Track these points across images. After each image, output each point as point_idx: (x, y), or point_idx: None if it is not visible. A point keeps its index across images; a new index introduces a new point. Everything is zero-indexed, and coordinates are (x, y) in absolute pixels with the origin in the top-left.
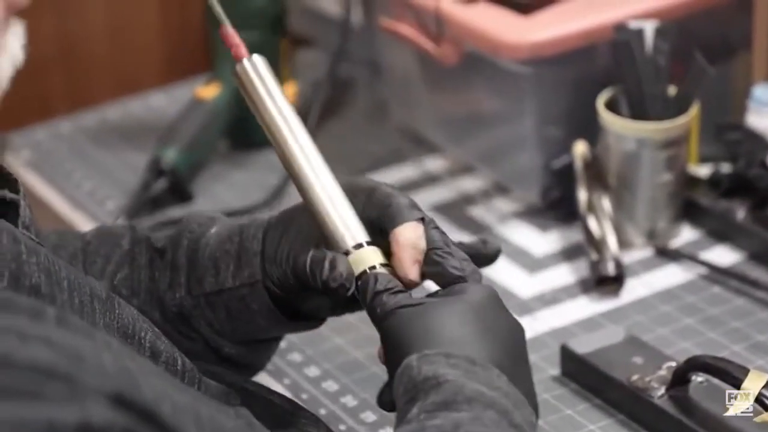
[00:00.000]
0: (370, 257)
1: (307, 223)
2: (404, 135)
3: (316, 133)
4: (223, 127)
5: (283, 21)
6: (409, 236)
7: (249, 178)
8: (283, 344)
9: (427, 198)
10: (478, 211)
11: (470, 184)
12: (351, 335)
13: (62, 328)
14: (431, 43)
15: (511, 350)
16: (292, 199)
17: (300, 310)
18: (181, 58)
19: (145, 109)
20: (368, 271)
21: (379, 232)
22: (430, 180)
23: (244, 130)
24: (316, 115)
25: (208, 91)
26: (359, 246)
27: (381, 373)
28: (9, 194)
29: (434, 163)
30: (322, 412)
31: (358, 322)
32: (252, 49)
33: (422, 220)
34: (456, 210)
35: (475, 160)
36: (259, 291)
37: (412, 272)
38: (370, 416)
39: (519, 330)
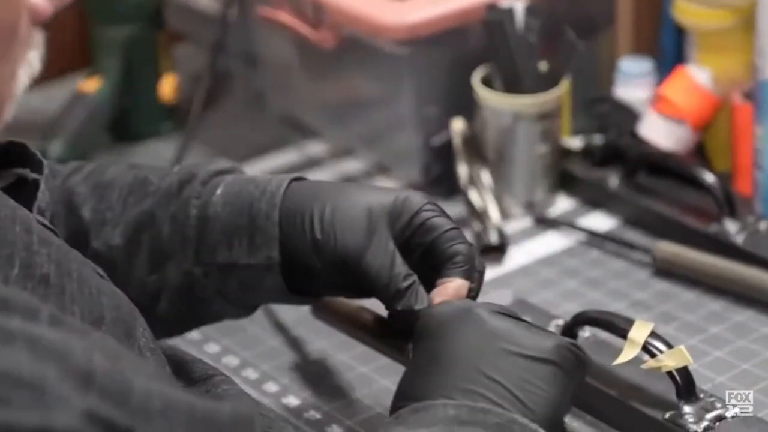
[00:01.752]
0: None
1: (336, 214)
2: (284, 122)
3: (197, 125)
4: (106, 119)
5: (160, 15)
6: (452, 289)
7: None
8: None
9: None
10: None
11: (352, 166)
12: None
13: (54, 327)
14: (309, 28)
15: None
16: None
17: (306, 288)
18: (54, 56)
19: (22, 108)
20: None
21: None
22: (311, 164)
23: (125, 122)
24: (199, 107)
25: (90, 84)
26: None
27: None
28: (31, 174)
29: (315, 148)
30: None
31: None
32: (130, 43)
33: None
34: None
35: (355, 143)
36: (275, 272)
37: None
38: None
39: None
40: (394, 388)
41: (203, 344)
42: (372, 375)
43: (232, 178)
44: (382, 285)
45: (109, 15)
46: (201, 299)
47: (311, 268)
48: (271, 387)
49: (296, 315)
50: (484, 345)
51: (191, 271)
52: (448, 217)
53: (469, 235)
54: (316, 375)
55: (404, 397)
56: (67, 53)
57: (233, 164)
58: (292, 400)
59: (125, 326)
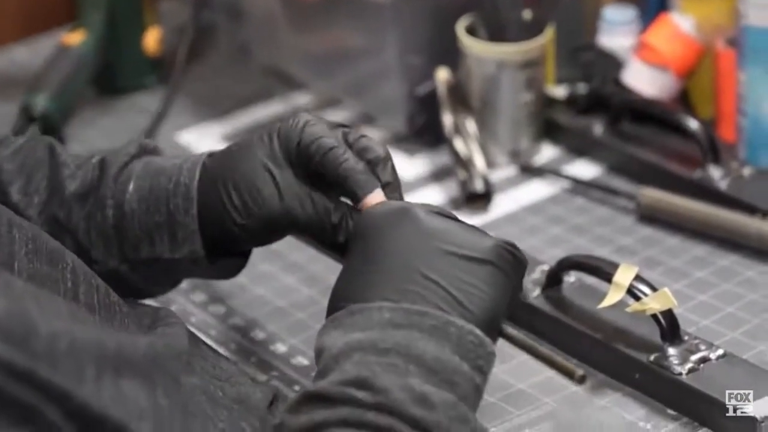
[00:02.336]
0: None
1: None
2: (269, 75)
3: (181, 78)
4: (90, 72)
5: None
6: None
7: (118, 122)
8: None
9: None
10: None
11: (337, 116)
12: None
13: None
14: None
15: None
16: (161, 140)
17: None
18: (39, 10)
19: (8, 62)
20: None
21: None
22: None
23: (109, 75)
24: (183, 60)
25: (74, 37)
26: None
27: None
28: None
29: (301, 99)
30: (212, 332)
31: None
32: None
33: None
34: None
35: (341, 94)
36: (200, 262)
37: None
38: (259, 334)
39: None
40: None
41: (190, 293)
42: None
43: (141, 169)
44: (316, 230)
45: None
46: (128, 288)
47: (240, 238)
48: (259, 334)
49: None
50: (421, 244)
51: (118, 269)
52: (326, 125)
53: (453, 184)
54: (302, 322)
55: (341, 298)
56: (52, 8)
57: (142, 143)
58: (279, 347)
59: (49, 254)
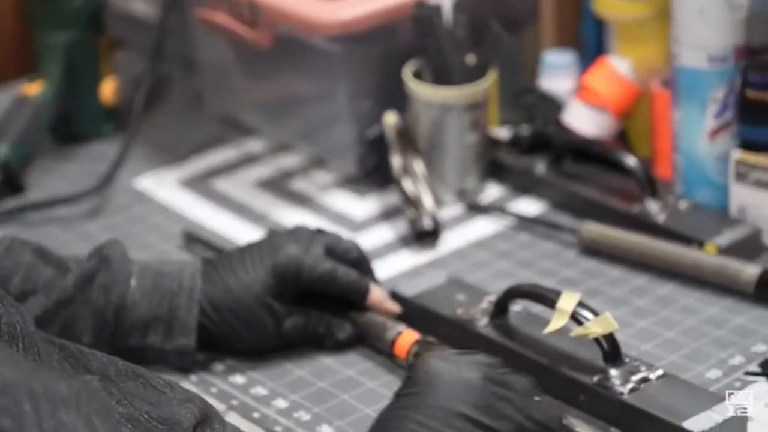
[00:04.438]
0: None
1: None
2: (222, 122)
3: (138, 126)
4: (49, 122)
5: (100, 20)
6: (378, 296)
7: (77, 169)
8: None
9: (249, 176)
10: (299, 185)
11: (289, 161)
12: None
13: None
14: (246, 28)
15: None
16: (119, 186)
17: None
18: None
19: None
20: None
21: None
22: (250, 160)
23: (67, 124)
24: (140, 108)
25: (33, 88)
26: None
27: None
28: None
29: (253, 145)
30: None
31: None
32: (71, 48)
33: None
34: (278, 185)
35: (292, 139)
36: (187, 357)
37: (394, 307)
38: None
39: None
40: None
41: None
42: (358, 378)
43: (139, 268)
44: (309, 343)
45: (51, 21)
46: None
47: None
48: (260, 391)
49: None
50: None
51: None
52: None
53: (403, 223)
54: (302, 378)
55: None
56: (8, 60)
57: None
58: (281, 403)
59: None
